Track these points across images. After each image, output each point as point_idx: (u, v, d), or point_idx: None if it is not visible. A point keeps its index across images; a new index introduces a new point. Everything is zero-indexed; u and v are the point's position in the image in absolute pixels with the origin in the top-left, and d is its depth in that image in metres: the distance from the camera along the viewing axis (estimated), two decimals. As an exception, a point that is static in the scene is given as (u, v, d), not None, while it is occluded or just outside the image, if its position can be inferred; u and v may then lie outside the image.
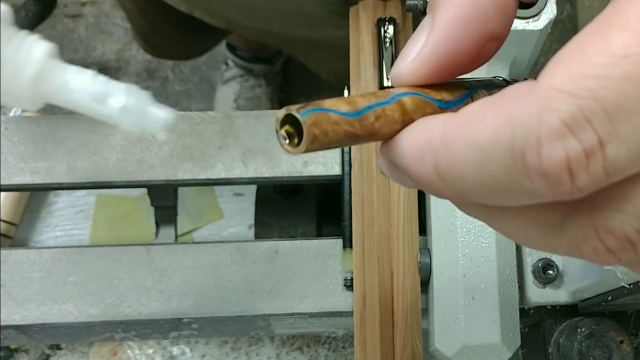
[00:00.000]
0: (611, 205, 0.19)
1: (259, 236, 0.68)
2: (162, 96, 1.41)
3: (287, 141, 0.21)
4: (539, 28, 0.47)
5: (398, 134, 0.22)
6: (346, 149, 0.57)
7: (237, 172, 0.59)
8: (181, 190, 0.77)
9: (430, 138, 0.20)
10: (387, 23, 0.57)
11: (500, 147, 0.18)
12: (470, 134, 0.19)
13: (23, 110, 0.91)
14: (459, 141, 0.19)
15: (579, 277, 0.51)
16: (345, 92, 0.58)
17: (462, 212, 0.55)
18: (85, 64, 1.42)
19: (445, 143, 0.20)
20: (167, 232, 0.68)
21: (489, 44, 0.22)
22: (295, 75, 1.39)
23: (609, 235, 0.19)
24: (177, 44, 1.03)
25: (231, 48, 1.31)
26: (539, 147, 0.18)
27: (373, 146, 0.55)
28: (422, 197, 0.56)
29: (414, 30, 0.59)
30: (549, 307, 0.54)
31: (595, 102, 0.17)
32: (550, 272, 0.52)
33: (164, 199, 0.65)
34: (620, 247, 0.19)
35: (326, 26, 0.63)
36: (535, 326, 0.57)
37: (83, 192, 0.77)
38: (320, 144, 0.21)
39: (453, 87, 0.24)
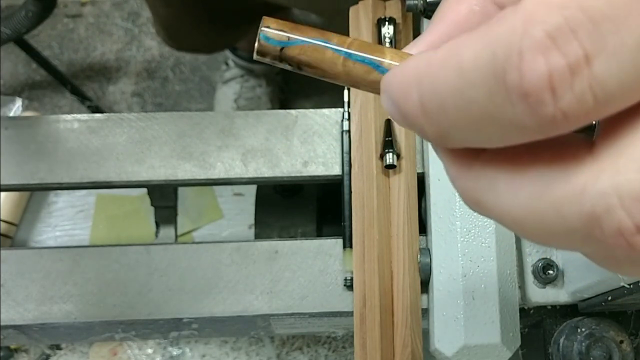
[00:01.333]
0: (631, 157, 0.17)
1: (259, 236, 0.68)
2: (162, 96, 1.41)
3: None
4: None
5: (394, 67, 0.21)
6: (346, 148, 0.57)
7: (237, 172, 0.59)
8: (181, 190, 0.77)
9: (417, 69, 0.19)
10: (387, 23, 0.57)
11: (482, 68, 0.17)
12: (454, 59, 0.18)
13: (23, 110, 0.91)
14: (443, 68, 0.18)
15: (579, 277, 0.51)
16: (345, 91, 0.58)
17: (462, 213, 0.55)
18: (85, 64, 1.43)
19: (430, 72, 0.19)
20: (167, 232, 0.68)
21: None
22: (296, 75, 1.39)
23: (637, 204, 0.16)
24: (201, 35, 1.01)
25: (232, 48, 1.31)
26: (520, 63, 0.16)
27: (373, 146, 0.55)
28: (422, 197, 0.56)
29: (413, 29, 0.60)
30: (549, 307, 0.54)
31: (582, 12, 0.16)
32: (550, 272, 0.52)
33: (164, 199, 0.65)
34: None
35: None
36: (535, 326, 0.57)
37: (83, 192, 0.77)
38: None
39: None
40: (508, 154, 0.19)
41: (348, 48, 0.22)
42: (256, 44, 0.23)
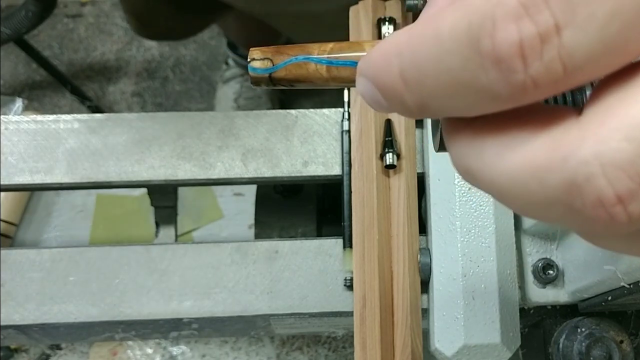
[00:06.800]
0: (614, 126, 0.16)
1: (259, 236, 0.68)
2: (162, 96, 1.41)
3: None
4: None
5: (368, 51, 0.22)
6: (346, 148, 0.57)
7: (237, 172, 0.59)
8: (181, 190, 0.77)
9: (397, 42, 0.19)
10: (387, 23, 0.57)
11: (458, 36, 0.17)
12: (433, 28, 0.18)
13: (23, 110, 0.91)
14: (422, 37, 0.18)
15: (579, 277, 0.51)
16: (345, 91, 0.58)
17: (462, 213, 0.55)
18: (85, 64, 1.43)
19: (410, 43, 0.19)
20: (167, 232, 0.68)
21: None
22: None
23: (618, 173, 0.16)
24: (170, 20, 1.01)
25: (232, 47, 1.31)
26: (493, 31, 0.17)
27: (373, 146, 0.55)
28: (422, 197, 0.56)
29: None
30: (549, 307, 0.54)
31: None
32: (550, 272, 0.52)
33: (164, 199, 0.65)
34: (633, 193, 0.16)
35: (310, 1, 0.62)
36: (535, 326, 0.57)
37: (83, 192, 0.77)
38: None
39: None
40: (496, 121, 0.19)
41: (328, 55, 0.23)
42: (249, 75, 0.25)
